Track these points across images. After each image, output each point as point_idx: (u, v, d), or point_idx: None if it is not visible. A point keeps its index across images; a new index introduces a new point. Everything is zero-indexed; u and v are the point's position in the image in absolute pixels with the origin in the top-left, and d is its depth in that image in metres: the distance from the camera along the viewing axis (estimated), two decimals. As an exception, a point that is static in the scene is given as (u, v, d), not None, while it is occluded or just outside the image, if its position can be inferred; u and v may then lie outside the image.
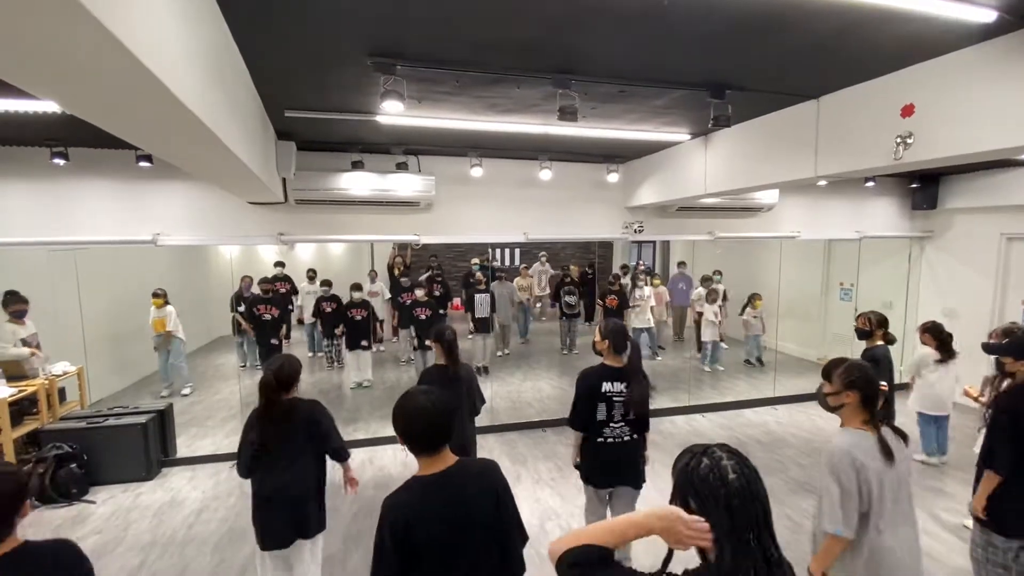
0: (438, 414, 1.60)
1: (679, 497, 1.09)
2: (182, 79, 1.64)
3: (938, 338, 4.21)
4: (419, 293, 6.59)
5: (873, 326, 3.76)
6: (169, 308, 6.32)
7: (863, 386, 1.95)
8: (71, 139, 4.33)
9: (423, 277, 8.05)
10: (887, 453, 1.89)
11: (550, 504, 4.09)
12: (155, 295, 6.26)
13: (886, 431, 1.97)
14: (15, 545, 1.47)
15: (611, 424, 2.84)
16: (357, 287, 6.71)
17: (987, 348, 2.78)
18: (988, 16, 2.26)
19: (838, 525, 1.86)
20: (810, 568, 1.97)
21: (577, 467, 3.01)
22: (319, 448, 2.60)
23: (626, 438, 2.86)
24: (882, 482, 1.88)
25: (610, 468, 2.91)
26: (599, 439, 2.86)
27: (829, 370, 2.05)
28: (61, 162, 4.37)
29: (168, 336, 6.33)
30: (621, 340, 2.83)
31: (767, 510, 1.05)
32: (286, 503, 2.50)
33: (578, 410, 2.87)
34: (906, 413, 4.46)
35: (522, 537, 1.71)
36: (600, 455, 2.88)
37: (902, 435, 1.99)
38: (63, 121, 3.59)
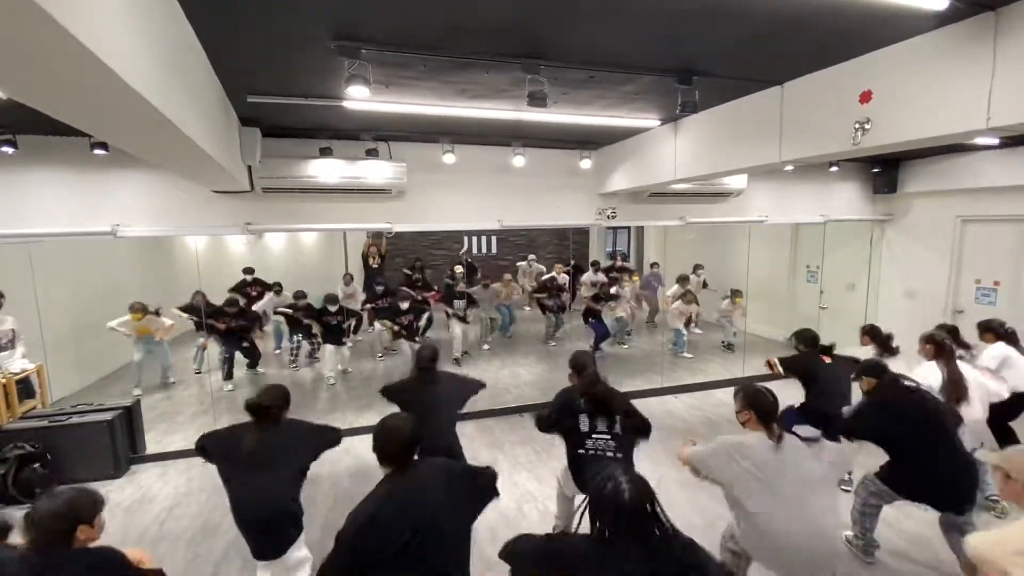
0: (409, 438, 1.91)
1: (592, 507, 1.63)
2: (130, 61, 1.58)
3: (876, 339, 4.39)
4: (404, 306, 6.56)
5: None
6: (150, 318, 6.07)
7: (752, 403, 2.40)
8: (18, 126, 4.11)
9: (404, 284, 7.95)
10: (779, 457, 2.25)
11: (528, 488, 4.15)
12: (134, 310, 5.84)
13: (790, 439, 2.34)
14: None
15: (594, 435, 2.77)
16: (332, 299, 6.53)
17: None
18: (941, 3, 2.33)
19: (690, 455, 2.46)
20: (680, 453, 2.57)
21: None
22: (311, 455, 2.70)
23: (609, 454, 2.73)
24: (767, 476, 2.22)
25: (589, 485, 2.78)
26: (580, 450, 2.78)
27: (736, 395, 2.52)
28: (9, 150, 4.15)
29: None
30: (581, 366, 3.10)
31: (643, 518, 1.56)
32: (262, 520, 2.54)
33: (549, 414, 2.99)
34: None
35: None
36: (580, 468, 2.78)
37: (814, 441, 2.39)
38: (8, 107, 3.40)
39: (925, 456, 2.83)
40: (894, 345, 4.26)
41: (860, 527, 3.18)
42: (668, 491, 1.44)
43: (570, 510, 3.23)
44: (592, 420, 2.82)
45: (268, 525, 2.53)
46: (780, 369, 3.94)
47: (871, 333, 4.45)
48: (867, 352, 4.49)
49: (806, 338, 4.10)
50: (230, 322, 6.26)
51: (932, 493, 2.85)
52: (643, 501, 1.56)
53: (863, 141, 3.04)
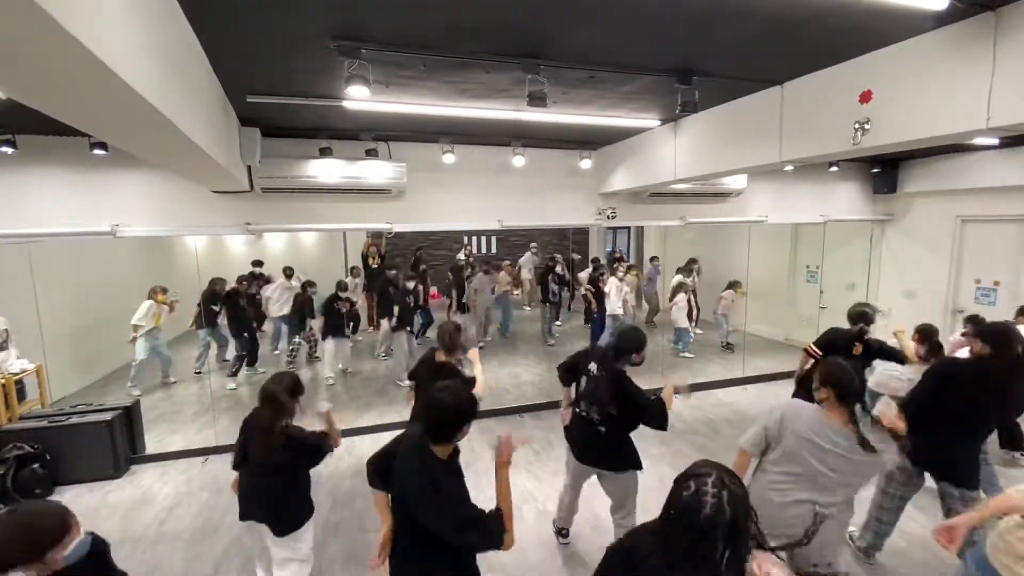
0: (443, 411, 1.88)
1: (668, 506, 1.28)
2: (130, 61, 1.58)
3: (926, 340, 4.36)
4: (410, 285, 6.64)
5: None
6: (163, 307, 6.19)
7: (832, 379, 2.15)
8: (18, 126, 4.11)
9: (413, 270, 8.01)
10: (866, 447, 2.08)
11: (527, 487, 4.16)
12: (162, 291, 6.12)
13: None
14: None
15: (583, 401, 2.99)
16: (343, 287, 6.65)
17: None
18: (941, 3, 2.33)
19: (744, 443, 2.36)
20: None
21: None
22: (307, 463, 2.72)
23: (595, 417, 2.89)
24: (829, 462, 2.11)
25: (574, 441, 3.09)
26: (576, 409, 3.06)
27: (814, 368, 2.32)
28: (9, 150, 4.15)
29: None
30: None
31: (728, 538, 1.19)
32: (257, 494, 2.58)
33: (565, 364, 3.18)
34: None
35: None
36: (572, 426, 3.10)
37: (871, 448, 2.11)
38: (8, 107, 3.40)
39: (954, 421, 2.69)
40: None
41: (872, 532, 3.15)
42: (669, 491, 1.39)
43: (573, 504, 3.33)
44: (588, 386, 2.95)
45: (255, 518, 2.55)
46: (816, 350, 3.80)
47: (923, 332, 4.27)
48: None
49: (853, 313, 4.00)
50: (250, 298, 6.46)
51: (943, 463, 2.78)
52: (728, 525, 1.18)
53: (863, 141, 3.04)
